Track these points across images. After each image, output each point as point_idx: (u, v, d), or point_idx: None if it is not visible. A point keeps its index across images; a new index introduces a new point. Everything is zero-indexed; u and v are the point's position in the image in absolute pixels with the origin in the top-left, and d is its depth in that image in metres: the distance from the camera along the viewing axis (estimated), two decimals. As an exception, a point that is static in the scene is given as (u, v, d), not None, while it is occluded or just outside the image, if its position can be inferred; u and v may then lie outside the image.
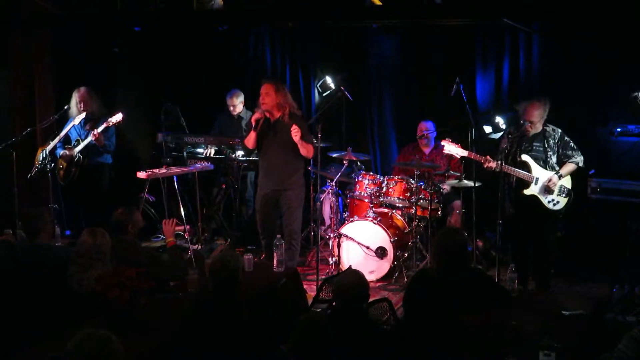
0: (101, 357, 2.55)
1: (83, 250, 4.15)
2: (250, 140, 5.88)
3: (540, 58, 6.76)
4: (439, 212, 6.48)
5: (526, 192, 5.54)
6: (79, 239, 4.27)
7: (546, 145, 5.57)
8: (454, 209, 6.56)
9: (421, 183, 6.35)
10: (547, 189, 5.53)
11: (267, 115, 5.81)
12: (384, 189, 6.45)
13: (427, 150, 6.89)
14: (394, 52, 7.45)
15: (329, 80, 7.43)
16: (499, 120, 6.49)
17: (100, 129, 6.52)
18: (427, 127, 6.82)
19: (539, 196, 5.55)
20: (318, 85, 7.61)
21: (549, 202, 5.56)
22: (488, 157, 5.59)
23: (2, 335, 3.83)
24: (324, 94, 7.53)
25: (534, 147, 5.59)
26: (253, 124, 5.82)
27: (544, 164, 5.56)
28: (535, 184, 5.53)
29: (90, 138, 6.53)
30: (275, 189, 5.89)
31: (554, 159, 5.58)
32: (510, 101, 6.71)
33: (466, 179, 6.18)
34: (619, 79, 6.23)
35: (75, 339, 2.58)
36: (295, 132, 5.65)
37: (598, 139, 6.29)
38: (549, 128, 5.61)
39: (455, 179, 6.30)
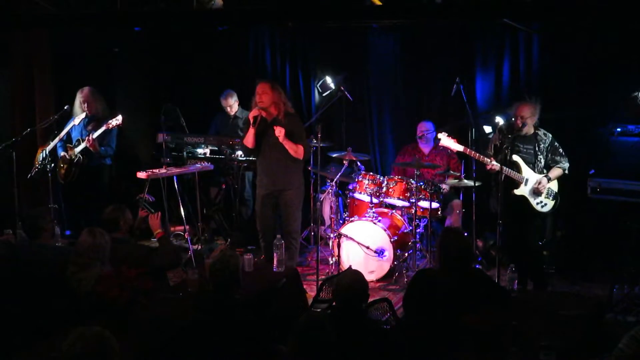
0: (97, 353, 2.55)
1: (82, 249, 4.16)
2: (249, 138, 5.86)
3: (540, 58, 6.77)
4: (439, 212, 6.50)
5: (516, 192, 5.58)
6: (79, 238, 4.28)
7: (537, 149, 5.61)
8: (453, 208, 6.57)
9: (421, 183, 6.36)
10: (535, 191, 5.58)
11: (264, 114, 5.80)
12: (384, 189, 6.45)
13: (426, 150, 6.89)
14: (394, 52, 7.45)
15: (329, 80, 7.43)
16: (499, 120, 6.49)
17: (97, 133, 6.51)
18: (426, 128, 6.82)
19: (528, 197, 5.58)
20: (318, 85, 7.61)
21: (537, 203, 5.62)
22: (492, 158, 5.60)
23: (2, 335, 3.83)
24: (324, 94, 7.52)
25: (526, 150, 5.63)
26: (251, 120, 5.81)
27: (533, 166, 5.61)
28: (525, 184, 5.57)
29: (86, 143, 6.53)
30: (274, 189, 5.89)
31: (542, 163, 5.64)
32: (511, 102, 6.71)
33: (466, 179, 6.19)
34: (619, 79, 6.24)
35: (70, 338, 2.58)
36: (279, 132, 5.66)
37: (598, 139, 6.29)
38: (541, 132, 5.65)
39: (455, 179, 6.30)
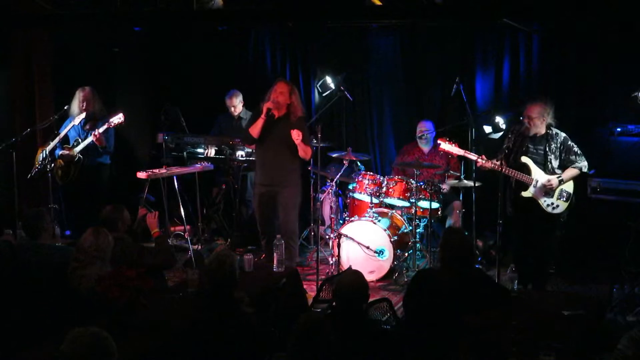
0: (94, 353, 2.55)
1: (83, 246, 4.16)
2: (257, 128, 5.88)
3: (540, 58, 6.76)
4: (439, 212, 6.49)
5: (524, 194, 5.51)
6: (82, 236, 4.29)
7: (547, 149, 5.51)
8: (454, 209, 6.57)
9: (421, 183, 6.35)
10: (545, 192, 5.47)
11: (273, 111, 5.85)
12: (384, 189, 6.45)
13: (426, 150, 6.89)
14: (394, 52, 7.45)
15: (329, 80, 7.42)
16: (499, 120, 6.49)
17: (101, 129, 6.51)
18: (426, 127, 6.82)
19: (537, 199, 5.51)
20: (318, 85, 7.61)
21: (547, 205, 5.49)
22: (483, 156, 5.57)
23: (3, 335, 3.83)
24: (324, 94, 7.53)
25: (536, 150, 5.54)
26: (264, 111, 5.82)
27: (544, 167, 5.51)
28: (534, 186, 5.49)
29: (90, 138, 6.52)
30: (272, 186, 5.94)
31: (554, 163, 5.51)
32: (511, 102, 6.72)
33: (466, 179, 6.19)
34: (619, 79, 6.23)
35: (67, 338, 2.58)
36: (297, 136, 5.71)
37: (598, 139, 6.28)
38: (553, 132, 5.53)
39: (455, 179, 6.30)
